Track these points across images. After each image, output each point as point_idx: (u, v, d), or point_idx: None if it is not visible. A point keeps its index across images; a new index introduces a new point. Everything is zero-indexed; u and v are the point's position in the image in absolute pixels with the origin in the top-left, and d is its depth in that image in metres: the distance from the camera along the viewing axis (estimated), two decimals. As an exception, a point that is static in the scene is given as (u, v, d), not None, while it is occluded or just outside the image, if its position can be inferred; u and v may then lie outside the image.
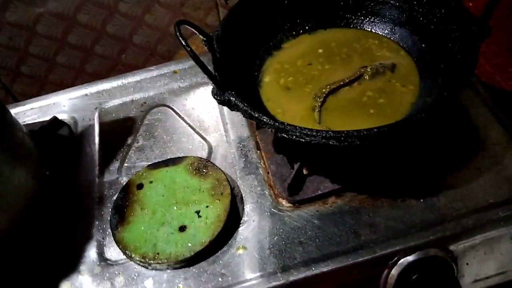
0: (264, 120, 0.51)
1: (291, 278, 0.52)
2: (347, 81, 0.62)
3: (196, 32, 0.58)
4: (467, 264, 0.56)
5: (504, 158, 0.60)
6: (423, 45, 0.63)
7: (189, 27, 0.56)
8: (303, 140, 0.49)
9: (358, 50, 0.68)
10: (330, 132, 0.47)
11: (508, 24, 0.98)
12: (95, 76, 0.94)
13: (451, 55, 0.57)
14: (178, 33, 0.51)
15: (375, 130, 0.47)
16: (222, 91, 0.54)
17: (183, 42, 0.51)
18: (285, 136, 0.50)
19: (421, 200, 0.57)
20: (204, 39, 0.59)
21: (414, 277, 0.53)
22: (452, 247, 0.55)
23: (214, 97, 0.55)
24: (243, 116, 0.53)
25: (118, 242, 0.57)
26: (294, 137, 0.49)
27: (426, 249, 0.54)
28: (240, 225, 0.59)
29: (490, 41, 1.01)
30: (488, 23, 0.54)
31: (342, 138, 0.47)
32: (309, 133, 0.48)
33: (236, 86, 0.56)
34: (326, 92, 0.62)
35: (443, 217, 0.55)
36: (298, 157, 0.61)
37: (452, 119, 0.64)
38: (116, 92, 0.78)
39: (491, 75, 0.92)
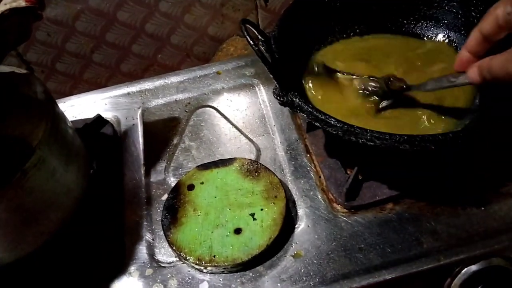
0: (332, 122, 0.49)
1: (354, 285, 0.51)
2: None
3: (256, 32, 0.57)
4: (529, 274, 0.55)
5: None
6: (481, 51, 0.62)
7: (250, 27, 0.55)
8: (373, 144, 0.48)
9: (410, 57, 0.67)
10: (404, 136, 0.46)
11: None
12: (129, 76, 0.93)
13: None
14: (245, 32, 0.51)
15: (451, 135, 0.46)
16: (285, 91, 0.53)
17: (250, 41, 0.50)
18: (353, 139, 0.49)
19: (482, 208, 0.56)
20: (262, 39, 0.58)
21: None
22: (516, 257, 0.54)
23: (276, 98, 0.54)
24: (307, 118, 0.52)
25: (171, 244, 0.55)
26: (363, 140, 0.48)
27: (490, 258, 0.53)
28: (295, 229, 0.57)
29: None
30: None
31: (416, 143, 0.46)
32: (380, 136, 0.47)
33: (294, 88, 0.55)
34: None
35: (507, 225, 0.54)
36: (354, 161, 0.60)
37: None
38: (158, 92, 0.77)
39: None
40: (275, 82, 0.53)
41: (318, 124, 0.51)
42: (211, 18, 0.87)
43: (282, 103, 0.54)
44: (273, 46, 0.58)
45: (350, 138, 0.49)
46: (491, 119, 0.50)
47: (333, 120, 0.49)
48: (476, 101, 0.59)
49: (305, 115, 0.52)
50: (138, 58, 0.91)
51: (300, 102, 0.52)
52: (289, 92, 0.53)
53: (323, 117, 0.50)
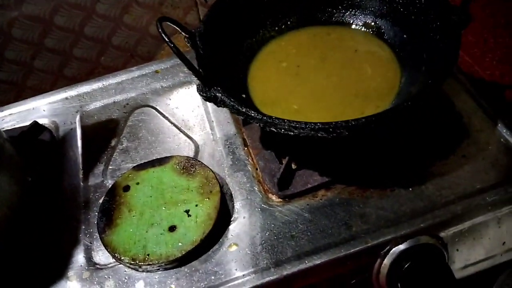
0: (252, 114, 0.50)
1: (285, 272, 0.52)
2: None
3: (178, 29, 0.57)
4: (457, 250, 0.57)
5: (488, 144, 0.61)
6: (405, 36, 0.64)
7: (171, 24, 0.56)
8: (292, 133, 0.49)
9: (339, 45, 0.68)
10: (318, 124, 0.47)
11: (484, 14, 1.00)
12: (74, 80, 0.92)
13: (433, 45, 0.58)
14: (160, 30, 0.50)
15: (363, 120, 0.47)
16: (208, 87, 0.53)
17: (166, 39, 0.50)
18: (274, 130, 0.50)
19: (410, 189, 0.58)
20: (187, 35, 0.58)
21: (406, 266, 0.54)
22: (442, 234, 0.56)
23: (199, 94, 0.54)
24: (230, 112, 0.53)
25: (106, 246, 0.55)
26: (282, 130, 0.49)
27: (417, 237, 0.54)
28: (231, 222, 0.58)
29: (467, 32, 1.03)
30: (468, 12, 0.55)
31: (331, 129, 0.47)
32: (297, 125, 0.48)
33: (222, 83, 0.55)
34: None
35: (432, 204, 0.56)
36: (286, 151, 0.61)
37: (435, 108, 0.65)
38: (97, 95, 0.76)
39: (470, 65, 0.94)
40: (196, 78, 0.53)
41: (241, 117, 0.52)
42: (151, 17, 0.87)
43: (206, 98, 0.54)
44: (198, 42, 0.59)
45: (271, 129, 0.50)
46: (409, 102, 0.51)
47: (253, 112, 0.50)
48: (400, 84, 0.61)
49: (228, 109, 0.53)
50: (81, 61, 0.90)
51: (222, 97, 0.53)
52: (212, 87, 0.53)
53: (244, 110, 0.51)
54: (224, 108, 0.70)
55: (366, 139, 0.60)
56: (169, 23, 0.55)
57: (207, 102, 0.71)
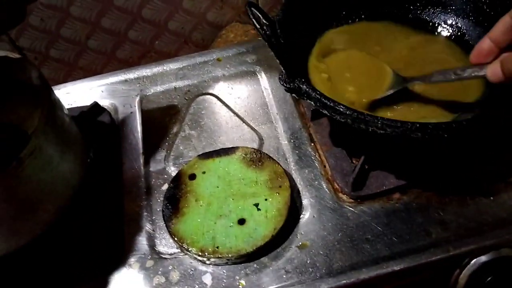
0: (341, 110, 0.48)
1: (362, 277, 0.50)
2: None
3: (260, 16, 0.55)
4: (538, 265, 0.54)
5: None
6: (490, 38, 0.61)
7: (255, 11, 0.53)
8: (383, 132, 0.46)
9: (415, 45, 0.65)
10: (416, 124, 0.45)
11: None
12: (125, 63, 0.90)
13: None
14: (251, 15, 0.48)
15: (464, 123, 0.44)
16: (292, 78, 0.51)
17: (257, 25, 0.48)
18: (363, 127, 0.47)
19: (491, 198, 0.55)
20: (267, 23, 0.56)
21: (487, 280, 0.51)
22: (525, 248, 0.53)
23: (282, 84, 0.52)
24: (315, 106, 0.50)
25: (173, 235, 0.54)
26: (374, 128, 0.46)
27: (500, 249, 0.52)
28: (300, 220, 0.56)
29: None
30: None
31: (429, 131, 0.45)
32: (392, 124, 0.45)
33: (302, 74, 0.53)
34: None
35: (516, 216, 0.53)
36: (360, 150, 0.58)
37: None
38: (157, 79, 0.74)
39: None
40: (282, 68, 0.51)
41: (326, 112, 0.49)
42: (210, 4, 0.85)
43: (289, 90, 0.52)
44: (278, 30, 0.56)
45: (360, 126, 0.47)
46: (500, 112, 0.48)
47: (342, 107, 0.48)
48: (482, 96, 0.58)
49: (312, 102, 0.50)
50: (135, 44, 0.88)
51: (307, 89, 0.50)
52: (295, 78, 0.51)
53: (331, 104, 0.48)
54: (289, 101, 0.69)
55: (451, 143, 0.57)
56: (253, 9, 0.53)
57: (270, 94, 0.70)
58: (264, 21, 0.56)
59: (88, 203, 0.59)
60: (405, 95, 0.58)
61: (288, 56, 0.55)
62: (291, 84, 0.51)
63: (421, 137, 0.45)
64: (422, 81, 0.56)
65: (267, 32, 0.48)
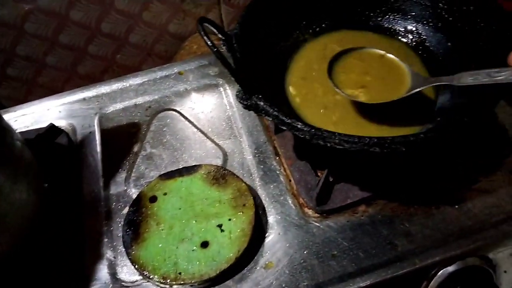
0: (298, 126, 0.46)
1: (328, 296, 0.49)
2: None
3: (215, 31, 0.53)
4: (505, 272, 0.54)
5: (536, 160, 0.58)
6: (449, 44, 0.61)
7: (208, 26, 0.52)
8: (341, 147, 0.45)
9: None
10: (374, 139, 0.44)
11: None
12: (87, 78, 0.88)
13: (483, 55, 0.54)
14: (202, 32, 0.47)
15: (422, 136, 0.44)
16: (249, 94, 0.49)
17: (209, 43, 0.46)
18: (322, 143, 0.46)
19: (456, 206, 0.55)
20: (223, 38, 0.54)
21: (455, 289, 0.51)
22: (490, 255, 0.53)
23: (240, 102, 0.50)
24: (274, 122, 0.49)
25: (133, 262, 0.52)
26: (332, 144, 0.45)
27: (466, 258, 0.51)
28: (265, 238, 0.54)
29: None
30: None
31: (386, 145, 0.44)
32: (349, 140, 0.44)
33: (260, 89, 0.52)
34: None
35: (481, 224, 0.53)
36: (324, 163, 0.57)
37: (479, 121, 0.62)
38: (116, 96, 0.72)
39: None
40: (238, 85, 0.50)
41: (285, 128, 0.48)
42: (171, 15, 0.83)
43: (247, 107, 0.50)
44: (235, 45, 0.55)
45: (318, 142, 0.46)
46: (455, 123, 0.48)
47: (299, 124, 0.47)
48: (437, 105, 0.58)
49: (270, 119, 0.49)
50: (96, 59, 0.86)
51: (265, 106, 0.49)
52: (253, 94, 0.50)
53: (289, 121, 0.47)
54: (253, 114, 0.67)
55: (415, 155, 0.56)
56: (207, 25, 0.51)
57: (234, 107, 0.69)
58: (220, 36, 0.55)
59: (46, 232, 0.56)
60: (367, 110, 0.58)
61: (248, 70, 0.54)
62: (249, 101, 0.50)
63: (379, 151, 0.44)
64: (449, 82, 0.52)
65: (219, 49, 0.46)
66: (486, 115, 0.47)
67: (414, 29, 0.64)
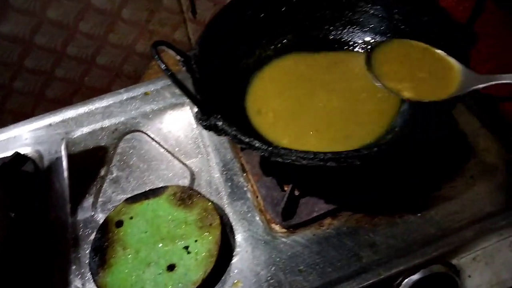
0: (256, 145, 0.47)
1: (295, 312, 0.49)
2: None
3: (174, 52, 0.54)
4: (469, 276, 0.55)
5: (495, 164, 0.59)
6: (406, 54, 0.62)
7: (165, 48, 0.52)
8: (299, 164, 0.46)
9: (337, 68, 0.65)
10: (328, 154, 0.44)
11: (495, 29, 0.99)
12: (57, 102, 0.87)
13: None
14: (156, 56, 0.47)
15: (375, 149, 0.45)
16: (207, 115, 0.50)
17: (163, 66, 0.47)
18: (280, 160, 0.47)
19: (419, 214, 0.55)
20: (182, 59, 0.55)
21: (420, 297, 0.51)
22: (454, 261, 0.53)
23: (198, 123, 0.51)
24: (233, 142, 0.49)
25: (100, 289, 0.51)
26: (289, 161, 0.46)
27: (430, 266, 0.52)
28: (233, 257, 0.55)
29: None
30: (473, 30, 0.53)
31: (342, 160, 0.44)
32: (305, 156, 0.45)
33: (220, 108, 0.52)
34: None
35: (443, 231, 0.54)
36: (289, 178, 0.58)
37: (440, 128, 0.63)
38: (83, 120, 0.72)
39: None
40: (196, 106, 0.50)
41: (244, 146, 0.49)
42: (137, 35, 0.83)
43: (205, 127, 0.51)
44: (194, 66, 0.55)
45: (277, 159, 0.47)
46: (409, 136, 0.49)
47: (257, 143, 0.47)
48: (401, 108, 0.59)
49: (230, 138, 0.49)
50: (64, 82, 0.86)
51: (223, 125, 0.49)
52: (212, 115, 0.50)
53: (247, 140, 0.48)
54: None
55: (374, 167, 0.57)
56: (163, 47, 0.52)
57: (201, 125, 0.69)
58: (179, 57, 0.55)
59: (14, 262, 0.56)
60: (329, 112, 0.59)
61: (208, 90, 0.54)
62: (207, 122, 0.50)
63: (335, 166, 0.45)
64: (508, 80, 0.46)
65: (173, 73, 0.47)
66: (441, 122, 0.47)
67: (372, 40, 0.66)
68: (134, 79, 0.89)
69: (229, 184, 0.62)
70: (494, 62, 0.94)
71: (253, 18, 0.65)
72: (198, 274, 0.51)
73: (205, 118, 0.50)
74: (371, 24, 0.66)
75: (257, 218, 0.58)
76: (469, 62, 0.50)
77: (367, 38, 0.66)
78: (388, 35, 0.64)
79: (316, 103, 0.62)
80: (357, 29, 0.67)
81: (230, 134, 0.49)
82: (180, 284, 0.50)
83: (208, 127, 0.51)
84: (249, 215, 0.58)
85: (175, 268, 0.52)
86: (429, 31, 0.58)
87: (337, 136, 0.58)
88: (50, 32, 0.77)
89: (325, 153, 0.45)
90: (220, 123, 0.50)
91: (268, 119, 0.61)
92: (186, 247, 0.53)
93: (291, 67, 0.66)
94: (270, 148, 0.47)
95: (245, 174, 0.63)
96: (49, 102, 0.87)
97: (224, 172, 0.63)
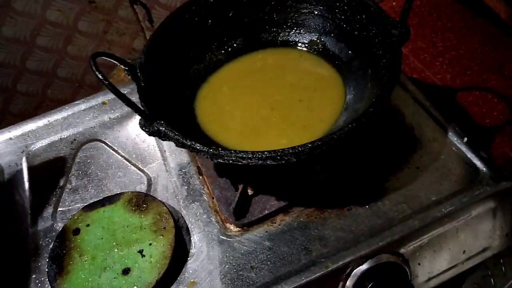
0: (198, 148, 0.48)
1: (246, 307, 0.50)
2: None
3: (116, 63, 0.55)
4: (419, 264, 0.57)
5: (441, 154, 0.62)
6: (350, 52, 0.64)
7: (107, 58, 0.53)
8: (240, 163, 0.48)
9: (285, 67, 0.67)
10: (265, 153, 0.46)
11: (431, 18, 1.02)
12: (21, 116, 0.88)
13: (376, 60, 0.57)
14: (94, 67, 0.48)
15: (309, 145, 0.46)
16: (150, 121, 0.51)
17: (100, 76, 0.48)
18: (221, 161, 0.48)
19: (367, 206, 0.57)
20: (126, 68, 0.56)
21: (369, 286, 0.53)
22: (402, 250, 0.55)
23: (142, 129, 0.52)
24: (176, 146, 0.50)
25: (57, 297, 0.52)
26: (230, 161, 0.48)
27: (377, 256, 0.54)
28: (189, 258, 0.56)
29: (417, 38, 1.05)
30: (406, 25, 0.55)
31: (278, 157, 0.46)
32: (245, 156, 0.47)
33: (168, 114, 0.54)
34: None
35: (390, 221, 0.56)
36: (241, 178, 0.59)
37: (386, 121, 0.65)
38: (43, 132, 0.73)
39: (421, 71, 0.95)
40: (137, 113, 0.51)
41: (188, 149, 0.50)
42: (96, 46, 0.85)
43: (149, 133, 0.52)
44: (139, 74, 0.57)
45: (219, 160, 0.48)
46: (353, 124, 0.50)
47: (198, 145, 0.49)
48: (346, 102, 0.61)
49: (173, 142, 0.51)
50: (27, 96, 0.87)
51: (166, 130, 0.51)
52: (155, 120, 0.51)
53: (189, 143, 0.49)
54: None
55: (318, 160, 0.59)
56: (105, 58, 0.53)
57: (159, 131, 0.70)
58: (123, 66, 0.56)
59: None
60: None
61: (153, 97, 0.55)
62: (151, 127, 0.52)
63: (274, 163, 0.47)
64: None
65: (111, 82, 0.48)
66: (373, 114, 0.49)
67: (318, 40, 0.67)
68: (97, 89, 0.90)
69: (186, 187, 0.63)
70: (452, 53, 0.97)
71: (201, 24, 0.66)
72: (152, 276, 0.52)
73: (148, 124, 0.52)
74: (316, 25, 0.67)
75: (213, 219, 0.59)
76: (400, 57, 0.52)
77: (314, 38, 0.68)
78: (333, 34, 0.66)
79: (269, 102, 0.63)
80: (303, 30, 0.69)
81: (173, 138, 0.50)
82: (135, 287, 0.52)
83: (151, 133, 0.52)
84: (205, 216, 0.60)
85: (130, 272, 0.53)
86: (369, 28, 0.60)
87: (295, 129, 0.60)
88: (6, 48, 0.77)
89: (262, 152, 0.46)
90: (162, 129, 0.51)
91: (222, 123, 0.62)
92: (141, 251, 0.55)
93: (242, 70, 0.67)
94: (211, 150, 0.48)
95: (201, 177, 0.64)
96: (13, 117, 0.88)
97: (181, 176, 0.64)
